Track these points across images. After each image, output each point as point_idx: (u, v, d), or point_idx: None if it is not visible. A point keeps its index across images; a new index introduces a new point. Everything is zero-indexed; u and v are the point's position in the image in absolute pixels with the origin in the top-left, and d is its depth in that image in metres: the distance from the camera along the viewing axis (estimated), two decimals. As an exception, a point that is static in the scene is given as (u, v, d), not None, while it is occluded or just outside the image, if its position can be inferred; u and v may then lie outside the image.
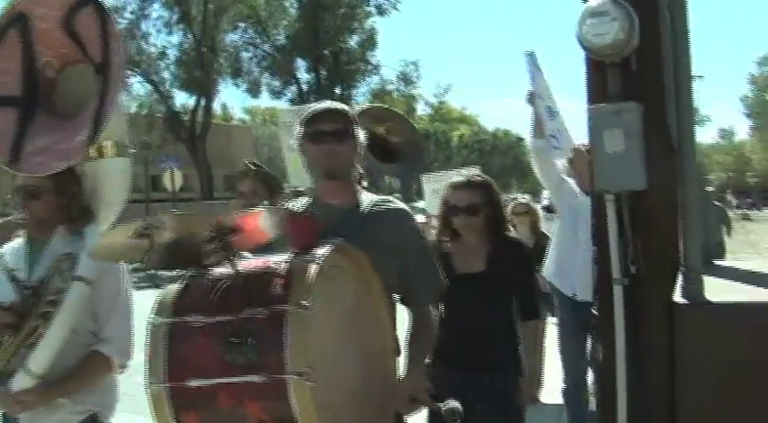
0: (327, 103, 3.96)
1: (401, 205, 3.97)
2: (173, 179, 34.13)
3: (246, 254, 3.26)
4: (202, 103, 46.08)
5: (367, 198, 3.90)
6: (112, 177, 4.21)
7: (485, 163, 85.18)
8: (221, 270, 3.04)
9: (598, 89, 3.65)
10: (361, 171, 6.61)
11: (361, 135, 3.88)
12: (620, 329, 3.58)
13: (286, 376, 2.67)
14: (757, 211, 70.25)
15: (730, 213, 55.17)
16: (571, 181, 7.38)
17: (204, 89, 45.41)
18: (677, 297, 3.61)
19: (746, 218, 57.97)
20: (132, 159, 4.30)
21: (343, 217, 3.73)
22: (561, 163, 7.86)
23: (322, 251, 3.02)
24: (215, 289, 2.95)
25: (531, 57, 7.18)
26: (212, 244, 3.05)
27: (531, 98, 7.02)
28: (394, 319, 3.68)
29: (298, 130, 3.84)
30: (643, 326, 3.61)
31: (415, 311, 3.87)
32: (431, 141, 76.24)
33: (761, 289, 3.85)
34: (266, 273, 2.98)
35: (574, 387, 7.32)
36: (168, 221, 2.95)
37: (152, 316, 2.94)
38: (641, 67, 3.57)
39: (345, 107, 3.92)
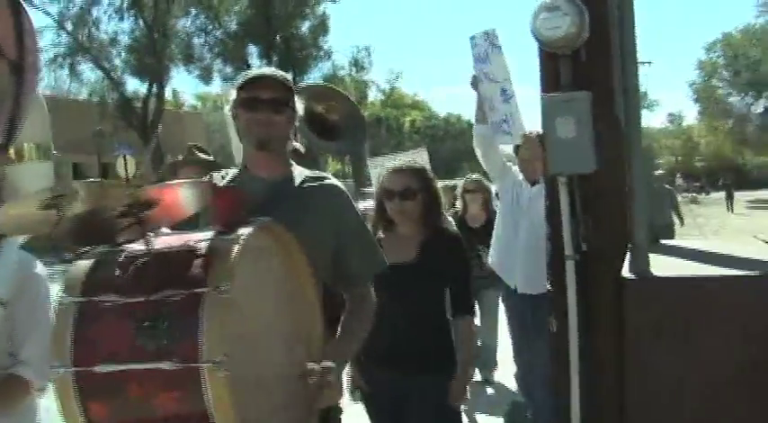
0: (266, 69, 3.77)
1: (335, 181, 3.79)
2: (126, 166, 34.10)
3: (165, 229, 3.05)
4: (154, 89, 45.89)
5: (299, 173, 3.75)
6: (33, 183, 3.93)
7: (436, 148, 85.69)
8: (137, 247, 2.79)
9: (551, 79, 3.91)
10: (298, 146, 6.61)
11: (300, 108, 3.72)
12: (572, 302, 3.84)
13: (200, 364, 2.44)
14: (705, 195, 71.27)
15: (679, 197, 56.25)
16: (515, 169, 7.24)
17: (156, 76, 45.20)
18: (625, 272, 3.87)
19: (694, 201, 58.86)
20: (53, 163, 4.22)
21: (272, 191, 3.59)
22: (505, 149, 7.64)
23: (246, 230, 2.81)
24: (129, 267, 2.69)
25: (489, 35, 6.55)
26: (126, 218, 2.81)
27: (475, 82, 6.73)
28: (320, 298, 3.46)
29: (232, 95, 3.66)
30: (593, 299, 3.89)
31: (351, 293, 3.72)
32: (382, 127, 76.43)
33: (700, 264, 4.10)
34: (185, 251, 2.74)
35: (525, 371, 7.38)
36: (80, 192, 2.69)
37: (60, 294, 2.68)
38: (590, 58, 3.84)
39: (285, 75, 3.71)
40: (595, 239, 3.86)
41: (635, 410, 3.80)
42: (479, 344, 9.76)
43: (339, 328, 3.53)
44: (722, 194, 55.28)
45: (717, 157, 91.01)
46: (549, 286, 4.08)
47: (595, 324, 3.88)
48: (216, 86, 55.37)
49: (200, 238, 2.79)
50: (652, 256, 4.12)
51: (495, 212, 9.08)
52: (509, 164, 7.30)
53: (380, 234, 5.18)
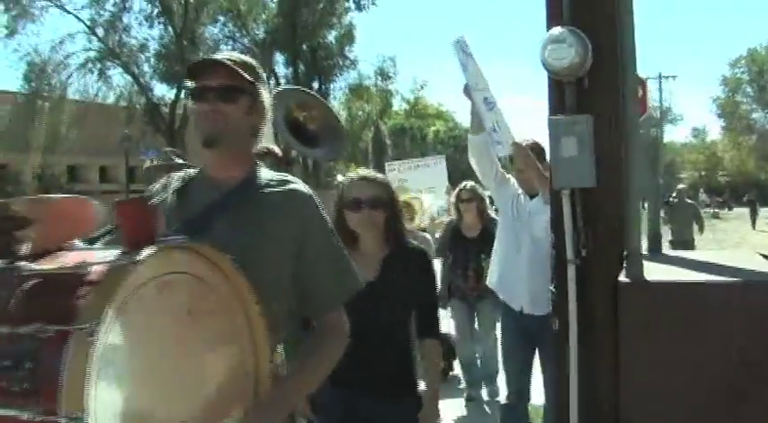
0: (220, 53, 3.33)
1: (301, 186, 3.22)
2: (153, 170, 34.66)
3: (77, 243, 2.69)
4: (182, 95, 46.45)
5: (262, 175, 3.21)
6: None
7: (460, 158, 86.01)
8: (34, 266, 2.42)
9: (557, 103, 4.40)
10: (276, 149, 6.67)
11: (266, 97, 3.24)
12: (572, 303, 4.32)
13: (58, 419, 2.06)
14: (727, 210, 71.28)
15: (701, 212, 56.18)
16: (514, 181, 6.85)
17: (184, 82, 45.80)
18: (621, 277, 4.31)
19: (716, 216, 58.92)
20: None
21: (225, 196, 3.08)
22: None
23: (148, 252, 2.33)
24: (15, 289, 2.29)
25: (460, 43, 6.15)
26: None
27: (467, 90, 6.23)
28: (280, 331, 3.09)
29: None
30: (591, 300, 4.34)
31: (319, 320, 3.25)
32: (406, 137, 76.83)
33: (693, 272, 4.53)
34: (74, 275, 2.30)
35: (515, 398, 6.93)
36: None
37: None
38: (593, 85, 4.31)
39: (245, 59, 3.25)
40: (594, 247, 4.32)
41: (629, 404, 4.22)
42: (479, 362, 9.99)
43: (297, 362, 3.11)
44: (745, 210, 55.27)
45: (740, 172, 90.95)
46: (552, 288, 4.54)
47: (593, 323, 4.33)
48: (242, 93, 56.04)
49: (98, 260, 2.36)
50: (653, 264, 4.58)
51: (491, 220, 9.07)
52: (508, 176, 6.92)
53: None
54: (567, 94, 4.29)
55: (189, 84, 3.15)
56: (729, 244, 33.91)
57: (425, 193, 12.60)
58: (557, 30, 4.23)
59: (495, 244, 7.11)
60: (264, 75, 3.31)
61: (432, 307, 4.90)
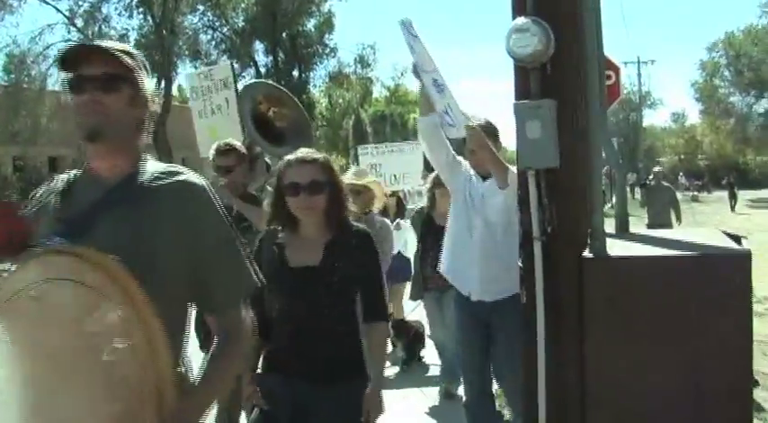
0: (96, 41, 3.14)
1: (192, 177, 2.99)
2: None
3: None
4: (162, 85, 46.49)
5: (149, 168, 2.97)
6: None
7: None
8: None
9: (522, 89, 4.65)
10: (238, 146, 6.68)
11: (150, 88, 3.02)
12: (539, 277, 4.57)
13: None
14: (707, 193, 71.86)
15: (680, 195, 56.40)
16: (465, 162, 6.68)
17: (164, 72, 45.78)
18: (585, 253, 4.56)
19: (696, 199, 59.41)
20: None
21: (108, 193, 2.86)
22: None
23: (21, 259, 2.22)
24: None
25: (406, 25, 5.97)
26: None
27: (416, 70, 6.06)
28: (182, 335, 2.97)
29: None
30: (557, 275, 4.60)
31: (218, 322, 3.06)
32: (387, 124, 76.99)
33: (655, 247, 4.79)
34: None
35: (479, 400, 6.71)
36: None
37: None
38: (555, 71, 4.56)
39: (123, 46, 3.04)
40: (558, 224, 4.57)
41: (595, 373, 4.49)
42: (441, 353, 9.75)
43: (203, 370, 2.92)
44: (724, 193, 55.67)
45: (719, 156, 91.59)
46: (520, 264, 4.80)
47: (559, 296, 4.59)
48: (222, 82, 56.01)
49: None
50: (619, 241, 4.85)
51: None
52: (459, 158, 6.74)
53: (280, 235, 4.71)
54: (532, 79, 4.54)
55: (63, 74, 2.89)
56: (709, 226, 34.27)
57: (399, 178, 12.48)
58: (521, 20, 4.48)
59: (447, 229, 6.87)
60: (145, 63, 3.09)
61: (376, 289, 4.77)
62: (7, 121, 40.70)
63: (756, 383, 7.99)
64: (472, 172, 6.60)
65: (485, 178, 6.44)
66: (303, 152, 4.71)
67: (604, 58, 5.32)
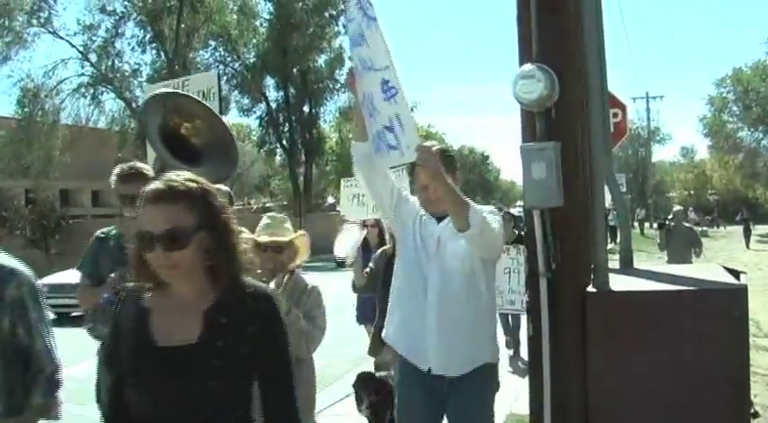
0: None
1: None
2: (146, 194, 34.87)
3: None
4: (174, 119, 46.79)
5: None
6: None
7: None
8: None
9: (528, 131, 4.90)
10: (146, 168, 5.75)
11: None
12: (544, 312, 4.80)
13: None
14: (716, 228, 71.86)
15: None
16: (414, 199, 5.36)
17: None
18: (589, 288, 4.78)
19: (705, 235, 59.36)
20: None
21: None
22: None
23: None
24: None
25: (362, 2, 4.65)
26: None
27: (351, 77, 5.11)
28: None
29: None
30: (562, 308, 4.82)
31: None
32: (397, 158, 77.33)
33: (657, 283, 5.00)
34: None
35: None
36: None
37: None
38: (560, 115, 4.81)
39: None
40: (562, 260, 4.80)
41: (597, 401, 4.69)
42: None
43: None
44: (736, 229, 55.07)
45: (728, 190, 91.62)
46: (527, 299, 5.02)
47: (564, 329, 4.80)
48: (232, 117, 56.29)
49: None
50: (624, 277, 5.08)
51: None
52: (406, 193, 5.46)
53: (145, 299, 3.13)
54: (537, 123, 4.80)
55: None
56: (714, 261, 34.26)
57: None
58: (527, 66, 4.73)
59: (393, 285, 5.41)
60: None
61: (282, 375, 3.17)
62: (20, 155, 41.07)
63: (756, 414, 8.14)
64: (422, 211, 5.20)
65: (440, 219, 5.12)
66: (161, 183, 2.98)
67: (609, 98, 5.57)
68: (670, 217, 18.64)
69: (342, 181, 9.42)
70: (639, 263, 5.65)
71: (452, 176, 4.77)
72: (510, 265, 9.04)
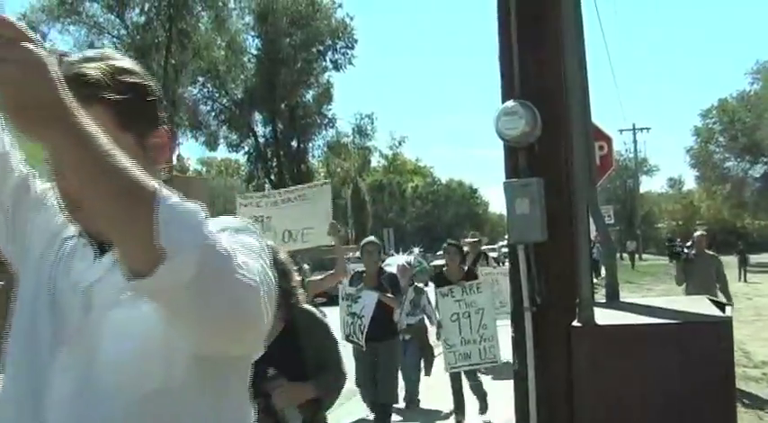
0: None
1: None
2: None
3: None
4: (163, 154, 46.83)
5: None
6: None
7: (439, 213, 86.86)
8: None
9: (511, 166, 4.94)
10: None
11: None
12: (530, 346, 4.82)
13: None
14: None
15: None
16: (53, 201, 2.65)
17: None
18: (574, 322, 4.80)
19: (692, 264, 58.89)
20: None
21: None
22: None
23: None
24: None
25: None
26: None
27: None
28: None
29: None
30: (547, 343, 4.84)
31: None
32: (385, 192, 77.51)
33: (642, 316, 5.02)
34: None
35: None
36: None
37: None
38: (543, 149, 4.85)
39: None
40: (547, 294, 4.83)
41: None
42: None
43: None
44: (728, 259, 54.36)
45: (717, 221, 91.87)
46: (512, 332, 5.04)
47: (549, 364, 4.82)
48: (221, 152, 56.42)
49: None
50: (609, 311, 5.09)
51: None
52: (43, 185, 2.52)
53: None
54: (520, 158, 4.85)
55: None
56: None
57: (297, 235, 8.25)
58: (509, 103, 4.79)
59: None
60: None
61: None
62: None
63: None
64: (72, 232, 2.09)
65: (103, 249, 1.98)
66: None
67: (594, 131, 5.61)
68: (689, 244, 14.80)
69: (237, 198, 7.91)
70: (629, 294, 5.68)
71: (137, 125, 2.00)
72: (458, 309, 8.04)
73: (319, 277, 9.14)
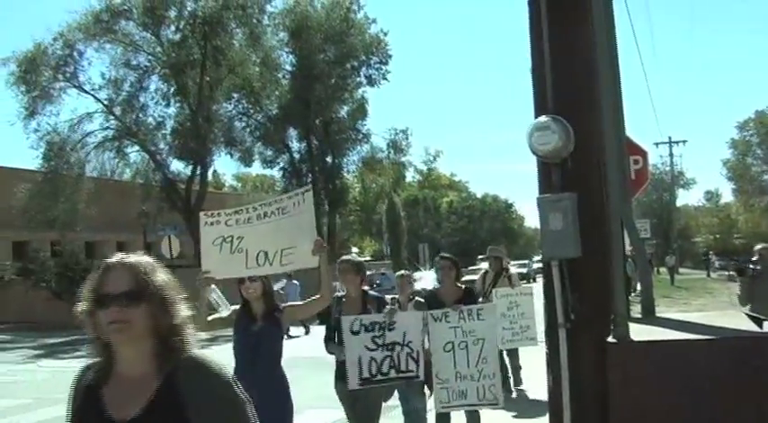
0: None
1: None
2: (170, 246, 35.04)
3: None
4: (198, 171, 47.08)
5: None
6: None
7: (474, 228, 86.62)
8: None
9: (545, 182, 4.92)
10: None
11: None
12: (564, 363, 4.78)
13: None
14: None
15: (714, 275, 54.75)
16: None
17: (199, 158, 46.42)
18: (609, 338, 4.78)
19: (732, 279, 58.53)
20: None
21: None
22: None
23: None
24: None
25: None
26: None
27: None
28: None
29: None
30: (582, 359, 4.81)
31: None
32: (420, 208, 77.41)
33: (677, 332, 5.00)
34: None
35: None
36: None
37: None
38: (576, 164, 4.82)
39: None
40: (582, 311, 4.79)
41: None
42: None
43: None
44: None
45: (755, 234, 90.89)
46: (546, 349, 5.01)
47: (583, 379, 4.79)
48: (256, 168, 56.57)
49: None
50: (645, 326, 5.07)
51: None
52: None
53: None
54: (554, 174, 4.83)
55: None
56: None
57: (274, 258, 6.59)
58: (542, 118, 4.77)
59: None
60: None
61: None
62: (46, 207, 41.30)
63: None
64: None
65: None
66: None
67: (629, 145, 5.58)
68: (755, 259, 12.55)
69: (201, 215, 6.36)
70: (665, 309, 5.65)
71: None
72: (452, 337, 6.78)
73: (299, 303, 7.03)
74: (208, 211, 6.30)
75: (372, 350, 6.98)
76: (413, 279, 8.33)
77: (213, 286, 5.95)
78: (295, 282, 23.45)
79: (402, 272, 8.44)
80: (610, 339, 4.73)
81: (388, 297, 7.34)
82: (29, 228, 41.22)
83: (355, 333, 7.00)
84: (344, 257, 7.54)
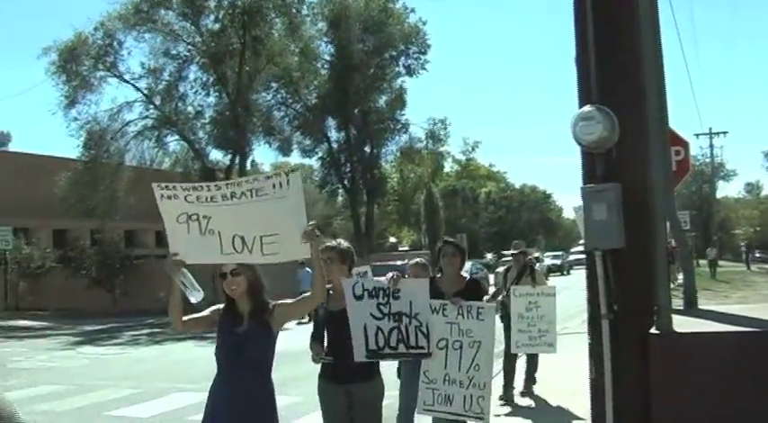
0: None
1: None
2: (210, 235, 35.13)
3: None
4: (236, 161, 47.25)
5: None
6: None
7: (512, 219, 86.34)
8: None
9: (589, 172, 4.90)
10: None
11: None
12: (606, 353, 4.76)
13: None
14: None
15: (755, 267, 54.27)
16: None
17: (238, 148, 46.59)
18: (652, 329, 4.75)
19: (774, 273, 57.91)
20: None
21: None
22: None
23: None
24: None
25: None
26: None
27: None
28: None
29: None
30: (624, 351, 4.79)
31: None
32: (458, 198, 77.23)
33: (722, 324, 4.96)
34: None
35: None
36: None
37: None
38: (620, 156, 4.80)
39: None
40: (625, 302, 4.77)
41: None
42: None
43: None
44: None
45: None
46: (589, 340, 4.99)
47: (626, 370, 4.77)
48: (295, 157, 56.59)
49: None
50: (688, 318, 5.04)
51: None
52: None
53: None
54: (598, 164, 4.80)
55: None
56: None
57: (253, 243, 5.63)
58: (586, 108, 4.75)
59: None
60: None
61: None
62: (86, 196, 41.59)
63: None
64: None
65: None
66: None
67: (670, 135, 5.54)
68: None
69: (154, 187, 5.55)
70: (705, 302, 5.61)
71: None
72: (447, 334, 6.22)
73: (290, 301, 5.65)
74: (161, 182, 5.55)
75: (378, 319, 6.41)
76: (429, 267, 7.65)
77: (184, 270, 5.15)
78: (308, 269, 22.80)
79: (417, 260, 7.81)
80: (653, 331, 4.70)
81: (388, 274, 6.50)
82: (69, 216, 41.50)
83: (358, 297, 6.38)
84: (328, 243, 6.51)
